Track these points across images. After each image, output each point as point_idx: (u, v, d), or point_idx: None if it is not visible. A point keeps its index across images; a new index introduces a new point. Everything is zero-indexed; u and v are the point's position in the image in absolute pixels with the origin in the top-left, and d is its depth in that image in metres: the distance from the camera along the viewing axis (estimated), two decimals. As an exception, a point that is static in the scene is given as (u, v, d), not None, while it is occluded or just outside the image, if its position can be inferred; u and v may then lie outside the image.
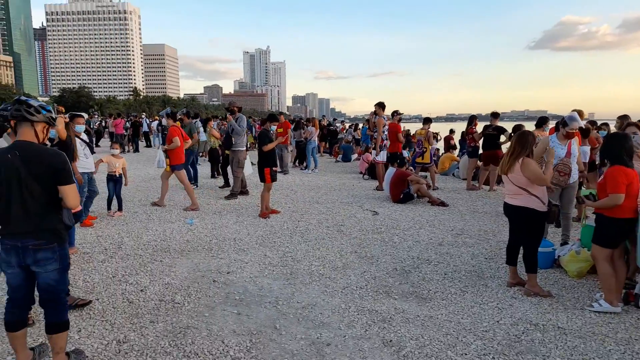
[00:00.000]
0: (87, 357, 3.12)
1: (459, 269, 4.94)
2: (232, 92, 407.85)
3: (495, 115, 9.11)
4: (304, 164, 14.14)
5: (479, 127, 9.93)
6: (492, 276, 4.73)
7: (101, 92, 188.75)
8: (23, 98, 2.78)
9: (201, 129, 13.16)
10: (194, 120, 10.77)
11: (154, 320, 3.72)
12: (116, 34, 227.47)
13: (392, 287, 4.45)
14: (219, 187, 10.21)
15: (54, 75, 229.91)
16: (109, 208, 7.44)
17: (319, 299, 4.15)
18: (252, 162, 9.44)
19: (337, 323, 3.68)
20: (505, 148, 9.31)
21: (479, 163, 10.13)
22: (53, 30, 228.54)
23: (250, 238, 6.17)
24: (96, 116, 37.42)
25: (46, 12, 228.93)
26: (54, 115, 2.89)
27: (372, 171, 11.56)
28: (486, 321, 3.71)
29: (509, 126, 9.18)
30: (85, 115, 15.11)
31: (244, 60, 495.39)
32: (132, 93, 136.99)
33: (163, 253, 5.51)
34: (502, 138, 9.04)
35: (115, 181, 7.41)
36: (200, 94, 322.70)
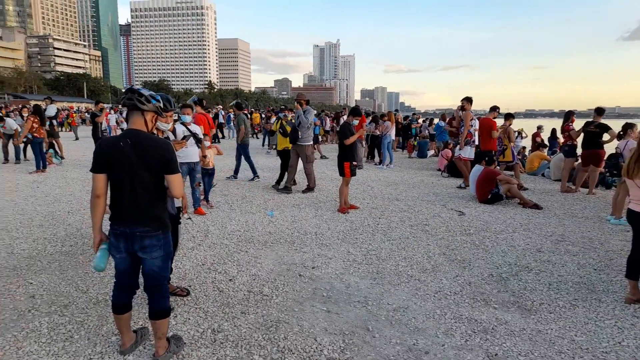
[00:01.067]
0: (184, 343, 3.15)
1: (564, 280, 4.49)
2: (301, 85, 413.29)
3: (599, 112, 8.23)
4: (379, 159, 13.87)
5: (576, 124, 9.08)
6: (605, 290, 4.24)
7: (179, 84, 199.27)
8: (135, 87, 2.83)
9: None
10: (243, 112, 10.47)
11: (245, 311, 3.71)
12: (193, 29, 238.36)
13: (490, 294, 4.13)
14: (272, 187, 9.22)
15: (137, 69, 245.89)
16: (206, 200, 7.53)
17: (410, 302, 3.94)
18: (322, 156, 9.38)
19: (434, 330, 3.45)
20: (608, 147, 8.53)
21: (576, 163, 9.29)
22: (137, 26, 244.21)
23: (331, 233, 6.06)
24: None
25: (131, 9, 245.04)
26: (161, 105, 2.92)
27: (452, 169, 11.05)
28: (605, 341, 3.30)
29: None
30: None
31: (314, 53, 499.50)
32: (207, 86, 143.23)
33: (247, 244, 5.55)
34: (606, 137, 8.18)
35: (210, 174, 7.42)
36: (271, 87, 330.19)
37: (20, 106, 25.36)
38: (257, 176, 10.19)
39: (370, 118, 15.18)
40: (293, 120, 8.86)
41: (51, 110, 14.15)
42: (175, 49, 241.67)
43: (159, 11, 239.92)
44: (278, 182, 9.23)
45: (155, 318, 2.92)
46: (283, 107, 18.14)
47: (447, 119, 14.51)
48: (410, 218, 6.96)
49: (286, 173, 8.98)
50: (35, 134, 10.87)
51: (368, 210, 7.48)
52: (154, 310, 2.92)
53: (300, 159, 8.70)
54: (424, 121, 20.07)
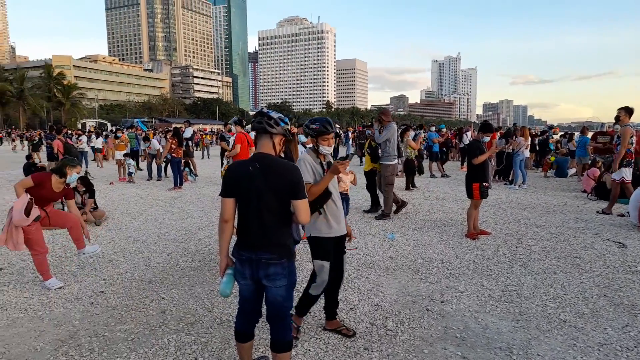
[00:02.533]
0: (305, 380, 2.91)
1: None
2: (418, 101, 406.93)
3: None
4: (509, 178, 12.65)
5: None
6: None
7: (299, 105, 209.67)
8: (265, 110, 2.78)
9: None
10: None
11: (368, 347, 3.38)
12: (314, 52, 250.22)
13: (679, 356, 3.23)
14: (364, 211, 8.49)
15: (262, 92, 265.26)
16: None
17: (568, 356, 3.24)
18: (443, 174, 8.58)
19: (605, 398, 2.74)
20: None
21: None
22: (263, 53, 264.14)
23: (460, 262, 5.47)
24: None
25: (259, 38, 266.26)
26: (289, 128, 2.82)
27: (600, 191, 9.55)
28: None
29: None
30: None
31: (432, 68, 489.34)
32: (325, 106, 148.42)
33: (368, 269, 5.23)
34: None
35: (345, 200, 6.70)
36: (387, 104, 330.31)
37: (166, 129, 28.62)
38: None
39: (499, 133, 14.00)
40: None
41: (188, 132, 15.57)
42: (297, 72, 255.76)
43: (283, 38, 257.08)
44: (373, 207, 8.52)
45: (276, 350, 2.74)
46: (369, 124, 17.48)
47: (592, 133, 12.76)
48: (555, 248, 6.02)
49: (380, 196, 8.30)
50: (173, 154, 11.97)
51: (501, 236, 6.68)
52: (276, 341, 2.75)
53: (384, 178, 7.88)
54: (562, 136, 18.01)
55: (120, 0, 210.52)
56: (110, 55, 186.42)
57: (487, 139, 6.66)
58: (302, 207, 2.64)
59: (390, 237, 6.64)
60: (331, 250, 3.41)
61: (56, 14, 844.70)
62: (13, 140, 38.54)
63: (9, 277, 5.03)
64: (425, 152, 14.81)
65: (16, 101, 65.40)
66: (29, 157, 15.06)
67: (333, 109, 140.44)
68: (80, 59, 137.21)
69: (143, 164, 15.67)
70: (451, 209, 8.87)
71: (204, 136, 32.05)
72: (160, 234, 6.99)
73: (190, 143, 14.87)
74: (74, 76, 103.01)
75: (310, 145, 3.38)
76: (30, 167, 13.90)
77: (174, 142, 12.06)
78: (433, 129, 17.27)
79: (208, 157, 23.24)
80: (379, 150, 7.87)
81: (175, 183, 11.95)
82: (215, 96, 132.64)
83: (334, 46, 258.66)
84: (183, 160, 13.94)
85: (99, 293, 4.53)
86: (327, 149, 3.31)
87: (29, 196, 4.51)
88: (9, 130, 54.38)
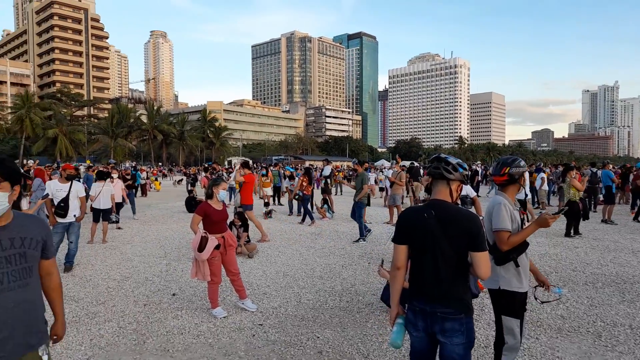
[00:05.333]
0: None
1: None
2: (566, 135, 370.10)
3: None
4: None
5: None
6: None
7: (429, 141, 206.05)
8: (442, 155, 2.69)
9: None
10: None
11: None
12: (445, 87, 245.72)
13: None
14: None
15: (391, 129, 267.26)
16: None
17: None
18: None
19: None
20: None
21: None
22: (393, 91, 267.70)
23: (655, 329, 4.54)
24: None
25: (389, 76, 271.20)
26: (468, 174, 2.66)
27: None
28: None
29: None
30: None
31: (583, 99, 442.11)
32: (457, 141, 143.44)
33: (536, 327, 4.64)
34: None
35: None
36: (527, 139, 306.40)
37: (299, 165, 30.25)
38: (363, 239, 9.59)
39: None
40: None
41: (326, 170, 16.14)
42: (427, 108, 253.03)
43: (414, 75, 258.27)
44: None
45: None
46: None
47: None
48: None
49: None
50: (304, 192, 12.50)
51: None
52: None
53: None
54: None
55: (264, 50, 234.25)
56: (254, 99, 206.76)
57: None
58: (482, 259, 2.44)
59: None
60: (523, 307, 3.10)
61: (211, 65, 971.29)
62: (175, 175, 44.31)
63: (181, 302, 5.56)
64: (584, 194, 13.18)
65: (177, 141, 75.50)
66: (190, 191, 17.04)
67: (466, 145, 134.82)
68: (229, 103, 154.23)
69: (284, 200, 16.62)
70: (629, 262, 7.59)
71: (336, 173, 33.10)
72: (306, 270, 7.18)
73: (329, 181, 15.36)
74: (224, 119, 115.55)
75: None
76: (190, 201, 15.72)
77: (305, 179, 12.60)
78: (611, 167, 15.49)
79: (341, 194, 23.79)
80: None
81: (304, 217, 12.47)
82: (345, 134, 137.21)
83: (468, 80, 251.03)
84: (322, 197, 14.45)
85: (258, 325, 4.73)
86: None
87: (202, 231, 4.98)
88: (171, 167, 62.85)
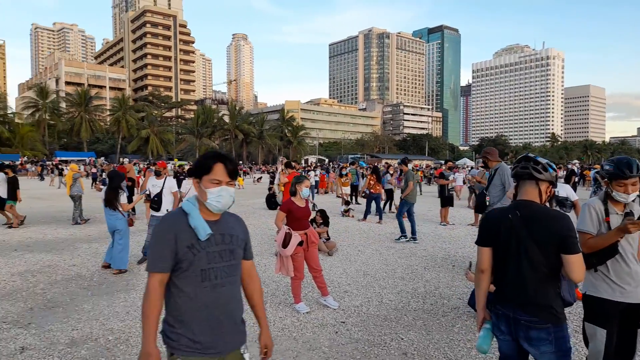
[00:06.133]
0: None
1: None
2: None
3: None
4: None
5: None
6: None
7: (517, 139, 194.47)
8: (531, 155, 2.57)
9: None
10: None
11: None
12: (536, 80, 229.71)
13: None
14: None
15: (474, 126, 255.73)
16: None
17: None
18: None
19: None
20: None
21: None
22: (477, 85, 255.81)
23: None
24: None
25: (472, 70, 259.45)
26: (557, 174, 2.50)
27: None
28: None
29: None
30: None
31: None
32: (549, 139, 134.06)
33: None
34: None
35: None
36: (632, 136, 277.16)
37: (375, 164, 29.95)
38: (405, 236, 9.58)
39: None
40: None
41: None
42: (515, 103, 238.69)
43: (500, 68, 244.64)
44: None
45: None
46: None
47: None
48: None
49: None
50: (371, 190, 12.36)
51: None
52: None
53: None
54: None
55: (341, 48, 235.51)
56: (330, 98, 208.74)
57: None
58: (575, 262, 2.28)
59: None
60: (612, 317, 2.80)
61: (289, 65, 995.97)
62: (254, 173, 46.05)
63: (265, 296, 5.72)
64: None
65: (257, 141, 78.55)
66: (270, 189, 17.59)
67: (559, 142, 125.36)
68: (306, 102, 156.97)
69: (362, 199, 16.55)
70: None
71: (415, 172, 32.36)
72: (387, 270, 7.09)
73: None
74: (301, 118, 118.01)
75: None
76: (270, 198, 16.21)
77: (372, 178, 12.46)
78: None
79: (420, 194, 23.22)
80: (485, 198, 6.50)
81: (369, 215, 12.53)
82: (424, 132, 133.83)
83: (562, 72, 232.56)
84: (401, 197, 14.18)
85: (341, 323, 4.75)
86: (623, 197, 2.77)
87: (286, 228, 5.09)
88: (250, 165, 65.48)
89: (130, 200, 7.81)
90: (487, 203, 6.27)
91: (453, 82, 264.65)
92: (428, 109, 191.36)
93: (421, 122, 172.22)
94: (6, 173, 11.28)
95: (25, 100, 67.53)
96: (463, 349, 4.05)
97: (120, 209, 6.99)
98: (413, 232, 9.65)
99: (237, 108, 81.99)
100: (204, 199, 2.04)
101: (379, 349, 4.09)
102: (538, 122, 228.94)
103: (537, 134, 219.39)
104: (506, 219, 2.43)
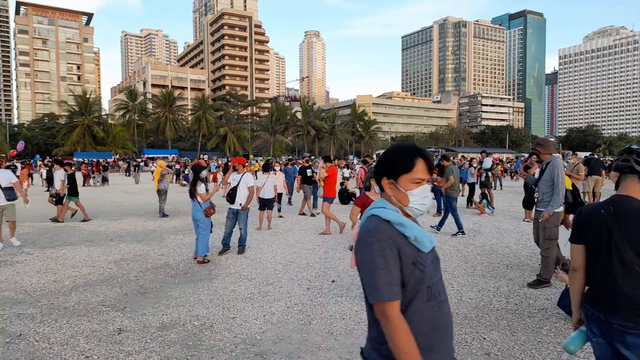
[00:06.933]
0: None
1: None
2: None
3: None
4: None
5: None
6: None
7: (610, 129, 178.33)
8: (634, 147, 2.35)
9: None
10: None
11: None
12: (634, 65, 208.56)
13: None
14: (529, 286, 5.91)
15: (560, 116, 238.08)
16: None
17: None
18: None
19: None
20: None
21: None
22: (564, 73, 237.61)
23: None
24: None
25: (559, 57, 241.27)
26: None
27: None
28: None
29: None
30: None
31: None
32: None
33: None
34: None
35: None
36: None
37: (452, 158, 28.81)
38: (463, 232, 9.37)
39: None
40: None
41: (487, 162, 15.11)
42: (608, 91, 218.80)
43: (591, 53, 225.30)
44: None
45: None
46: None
47: None
48: None
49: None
50: (435, 183, 11.88)
51: None
52: None
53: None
54: None
55: (415, 39, 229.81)
56: (403, 91, 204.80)
57: None
58: None
59: None
60: None
61: (361, 59, 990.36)
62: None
63: (340, 289, 5.76)
64: None
65: (328, 136, 79.06)
66: (341, 184, 17.63)
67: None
68: (378, 96, 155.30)
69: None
70: None
71: (496, 166, 30.80)
72: (466, 267, 6.81)
73: (489, 174, 14.35)
74: (372, 112, 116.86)
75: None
76: (343, 193, 16.26)
77: (435, 171, 12.00)
78: None
79: (501, 188, 22.07)
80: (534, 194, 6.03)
81: (438, 210, 12.37)
82: (504, 123, 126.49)
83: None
84: (481, 192, 13.59)
85: (417, 320, 4.63)
86: None
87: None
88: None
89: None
90: (535, 199, 5.97)
91: (537, 70, 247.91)
92: (509, 99, 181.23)
93: (501, 113, 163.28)
94: (66, 170, 11.71)
95: (117, 103, 73.51)
96: (553, 352, 3.78)
97: (199, 199, 7.30)
98: (440, 224, 9.95)
99: (309, 104, 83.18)
100: (404, 203, 1.74)
101: (460, 347, 3.93)
102: (636, 110, 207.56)
103: (635, 123, 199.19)
104: (598, 215, 2.27)
